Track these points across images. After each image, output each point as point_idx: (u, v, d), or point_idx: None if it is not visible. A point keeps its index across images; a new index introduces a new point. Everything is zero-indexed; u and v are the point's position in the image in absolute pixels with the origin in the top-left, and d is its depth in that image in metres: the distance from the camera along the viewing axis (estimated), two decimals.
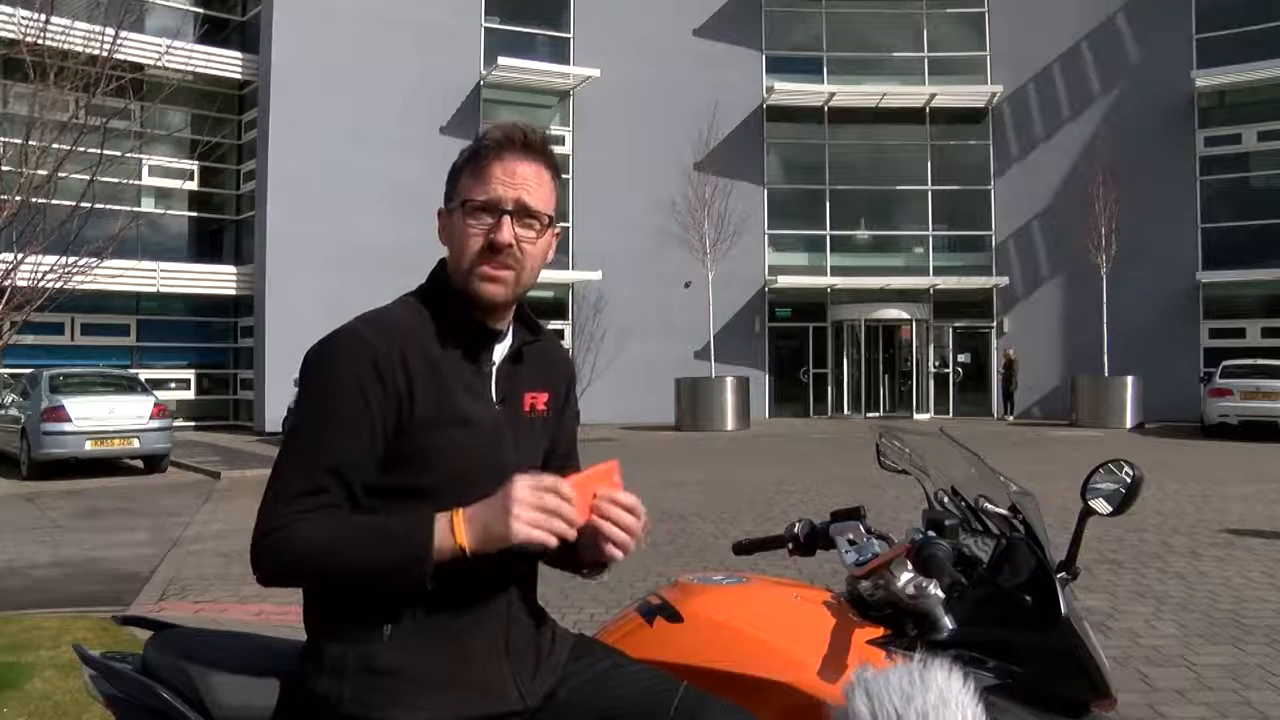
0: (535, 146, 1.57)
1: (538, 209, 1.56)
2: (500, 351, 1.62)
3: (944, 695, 1.04)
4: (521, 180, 1.55)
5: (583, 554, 1.55)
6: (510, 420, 1.60)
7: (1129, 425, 20.66)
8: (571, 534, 1.42)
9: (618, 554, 1.51)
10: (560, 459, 1.74)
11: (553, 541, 1.41)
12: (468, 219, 1.55)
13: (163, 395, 16.74)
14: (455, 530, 1.40)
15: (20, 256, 5.23)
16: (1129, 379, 20.99)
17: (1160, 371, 21.32)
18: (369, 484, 1.49)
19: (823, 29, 26.02)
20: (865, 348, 25.76)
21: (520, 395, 1.63)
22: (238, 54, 22.07)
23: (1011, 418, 23.55)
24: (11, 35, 5.45)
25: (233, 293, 22.20)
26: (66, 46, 5.36)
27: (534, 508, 1.39)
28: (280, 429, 19.09)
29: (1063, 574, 1.84)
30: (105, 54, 5.38)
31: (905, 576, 1.79)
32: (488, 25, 23.33)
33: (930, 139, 25.76)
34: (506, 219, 1.53)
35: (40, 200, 5.23)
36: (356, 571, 1.42)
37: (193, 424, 21.60)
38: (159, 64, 8.64)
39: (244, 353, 22.50)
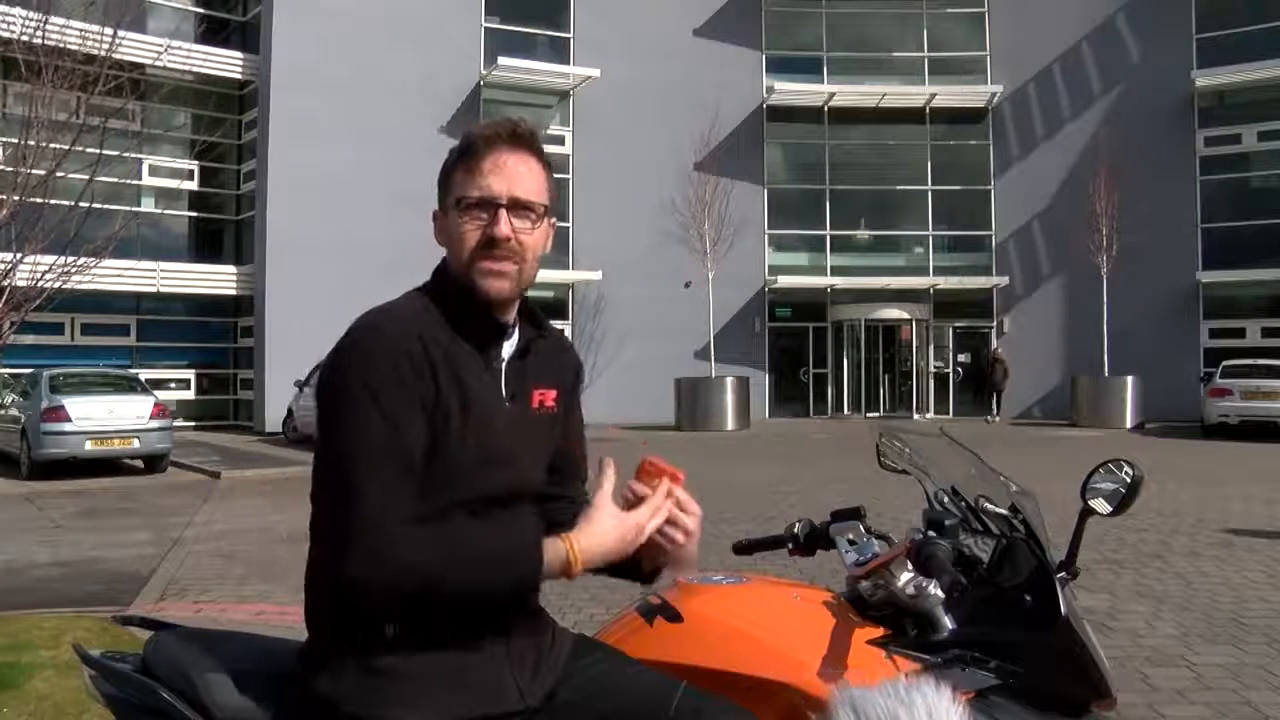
0: (523, 138, 1.58)
1: (532, 200, 1.56)
2: (509, 348, 1.62)
3: (932, 713, 1.03)
4: (513, 173, 1.55)
5: (643, 561, 1.64)
6: (520, 416, 1.60)
7: (1129, 425, 20.65)
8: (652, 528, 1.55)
9: (681, 547, 1.59)
10: (568, 457, 1.74)
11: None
12: (464, 216, 1.55)
13: (163, 395, 16.72)
14: (572, 561, 1.49)
15: (19, 256, 5.23)
16: (1129, 379, 20.98)
17: (1160, 371, 21.31)
18: None
19: (823, 29, 26.01)
20: (865, 348, 25.75)
21: (529, 392, 1.63)
22: (238, 54, 22.05)
23: (996, 418, 23.31)
24: (8, 35, 5.44)
25: (233, 293, 22.19)
26: (64, 46, 5.35)
27: (634, 530, 1.52)
28: (281, 429, 19.10)
29: (1063, 574, 1.84)
30: (104, 53, 5.37)
31: (905, 576, 1.79)
32: (488, 25, 23.32)
33: (930, 139, 25.74)
34: (503, 212, 1.54)
35: (39, 200, 5.23)
36: (466, 594, 1.46)
37: (193, 424, 21.59)
38: (159, 63, 8.62)
39: (244, 353, 22.49)
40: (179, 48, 12.26)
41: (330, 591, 1.47)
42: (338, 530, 1.43)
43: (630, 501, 1.57)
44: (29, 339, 17.30)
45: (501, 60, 22.38)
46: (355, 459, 1.44)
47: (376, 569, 1.40)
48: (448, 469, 1.50)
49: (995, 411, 23.44)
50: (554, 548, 1.47)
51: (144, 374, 18.09)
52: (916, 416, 24.70)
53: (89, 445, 13.36)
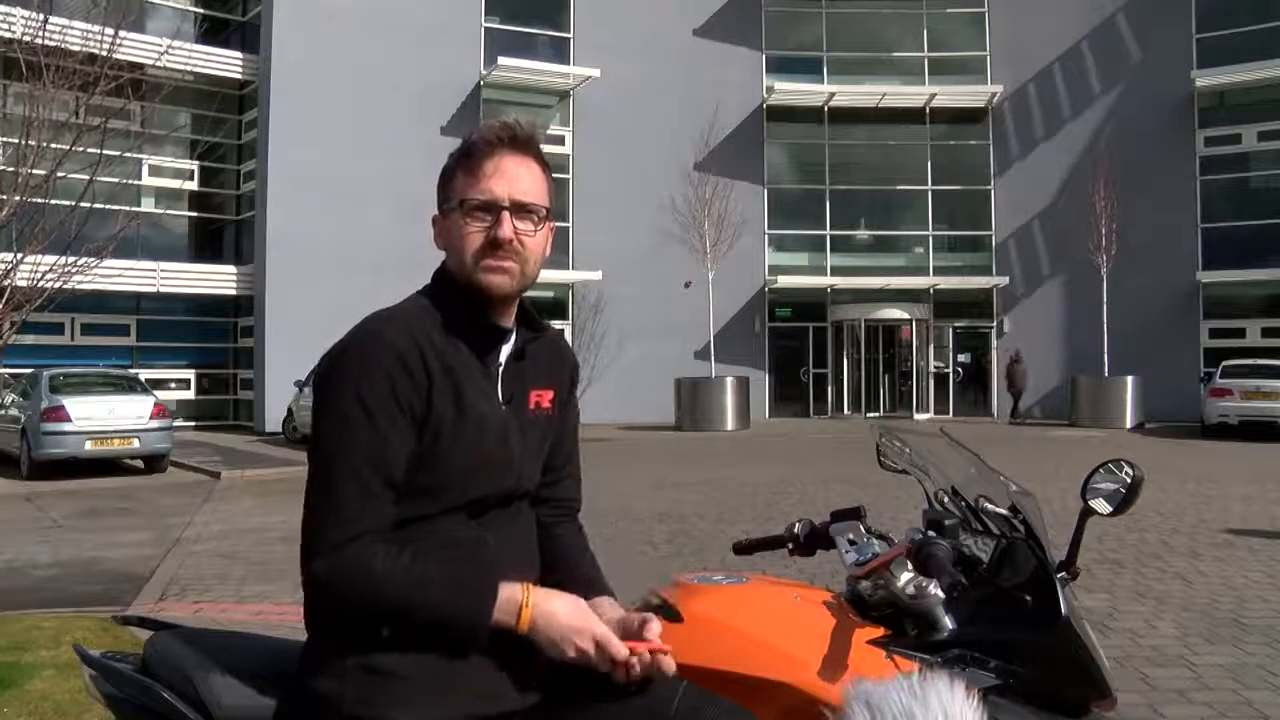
0: (523, 141, 1.59)
1: (534, 202, 1.58)
2: (506, 350, 1.63)
3: (947, 711, 1.03)
4: (514, 175, 1.56)
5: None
6: (516, 419, 1.61)
7: (1129, 425, 20.65)
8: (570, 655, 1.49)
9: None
10: (564, 457, 1.75)
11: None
12: (467, 218, 1.56)
13: (163, 395, 16.72)
14: (521, 618, 1.47)
15: (20, 256, 5.23)
16: (1129, 379, 20.98)
17: (1160, 371, 21.31)
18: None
19: (823, 29, 26.02)
20: (865, 348, 25.76)
21: (526, 393, 1.64)
22: (238, 54, 22.06)
23: (1012, 419, 23.27)
24: (9, 35, 5.44)
25: (233, 293, 22.19)
26: (64, 46, 5.35)
27: (577, 647, 1.47)
28: (281, 429, 19.09)
29: (1063, 574, 1.84)
30: (104, 53, 5.38)
31: (905, 576, 1.79)
32: (488, 25, 23.32)
33: (930, 139, 25.75)
34: (505, 214, 1.55)
35: (39, 200, 5.23)
36: (419, 612, 1.45)
37: (193, 424, 21.59)
38: (159, 64, 8.62)
39: (244, 353, 22.49)
40: (179, 48, 12.21)
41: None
42: (312, 529, 1.46)
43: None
44: (29, 339, 17.29)
45: (501, 60, 22.37)
46: (338, 463, 1.46)
47: (341, 572, 1.44)
48: (444, 472, 1.51)
49: (1020, 413, 23.21)
50: (510, 590, 1.47)
51: (144, 374, 18.09)
52: (916, 416, 24.69)
53: (89, 445, 13.35)
